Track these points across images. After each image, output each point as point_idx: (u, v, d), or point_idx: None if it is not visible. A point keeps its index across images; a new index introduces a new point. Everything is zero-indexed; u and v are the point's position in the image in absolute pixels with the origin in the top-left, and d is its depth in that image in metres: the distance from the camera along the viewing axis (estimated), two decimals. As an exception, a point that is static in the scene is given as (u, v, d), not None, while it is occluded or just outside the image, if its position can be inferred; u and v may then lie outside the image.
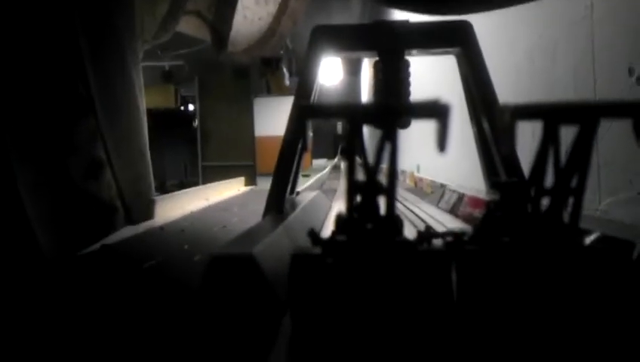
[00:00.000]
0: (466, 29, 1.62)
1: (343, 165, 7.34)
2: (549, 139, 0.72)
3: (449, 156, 3.28)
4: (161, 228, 2.67)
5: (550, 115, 0.71)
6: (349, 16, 8.86)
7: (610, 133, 1.56)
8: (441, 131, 0.65)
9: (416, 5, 2.02)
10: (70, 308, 1.40)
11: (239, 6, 2.78)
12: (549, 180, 0.74)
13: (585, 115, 0.70)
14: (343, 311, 0.69)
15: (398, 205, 2.91)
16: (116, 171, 2.08)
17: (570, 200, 0.73)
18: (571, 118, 0.71)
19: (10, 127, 1.67)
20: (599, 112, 0.71)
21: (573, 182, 0.73)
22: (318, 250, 0.72)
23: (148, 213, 2.48)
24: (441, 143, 0.65)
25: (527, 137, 0.94)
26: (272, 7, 3.45)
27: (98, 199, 2.01)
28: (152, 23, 2.53)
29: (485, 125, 1.54)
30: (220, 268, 0.93)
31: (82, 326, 1.24)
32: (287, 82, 10.43)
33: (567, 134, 0.73)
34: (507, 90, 2.21)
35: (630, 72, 1.47)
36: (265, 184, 1.91)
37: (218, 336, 0.87)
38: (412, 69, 1.66)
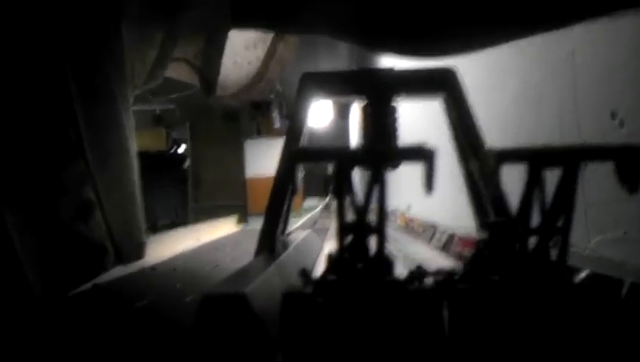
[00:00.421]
0: (451, 75, 1.66)
1: (334, 205, 7.34)
2: (534, 181, 0.74)
3: (440, 196, 3.30)
4: (153, 268, 2.65)
5: (534, 158, 0.74)
6: (337, 61, 9.00)
7: (597, 175, 1.59)
8: (428, 173, 0.67)
9: (395, 48, 2.07)
10: (63, 348, 1.39)
11: (229, 51, 2.83)
12: (538, 220, 0.76)
13: (568, 159, 0.73)
14: (334, 349, 0.70)
15: (389, 245, 2.92)
16: (106, 213, 2.08)
17: (558, 239, 0.75)
18: (555, 161, 0.73)
19: (1, 170, 1.68)
20: (581, 156, 0.74)
21: (560, 222, 0.74)
22: (309, 290, 0.73)
23: (139, 252, 2.47)
24: (429, 184, 0.67)
25: (515, 178, 0.97)
26: (260, 52, 3.51)
27: (88, 240, 2.00)
28: (141, 69, 2.57)
29: (473, 167, 1.56)
30: (213, 307, 0.93)
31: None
32: (277, 124, 10.50)
33: (553, 176, 0.75)
34: (495, 133, 2.25)
35: (613, 115, 1.50)
36: (257, 224, 1.91)
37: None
38: (401, 111, 1.69)
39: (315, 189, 15.86)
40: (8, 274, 1.67)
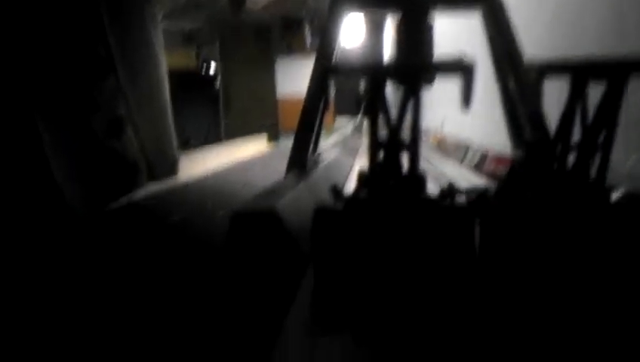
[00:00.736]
0: (491, -15, 1.58)
1: (366, 123, 7.31)
2: (577, 96, 0.71)
3: (473, 114, 3.24)
4: (185, 185, 2.70)
5: (578, 70, 0.70)
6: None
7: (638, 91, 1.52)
8: (466, 87, 0.65)
9: None
10: (100, 263, 1.43)
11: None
12: (576, 138, 0.73)
13: (614, 72, 0.69)
14: (364, 265, 0.70)
15: (422, 163, 2.90)
16: (139, 129, 2.11)
17: (597, 158, 0.73)
18: (600, 75, 0.69)
19: (34, 87, 1.70)
20: (629, 69, 0.69)
21: (601, 139, 0.72)
22: (340, 206, 0.73)
23: (172, 169, 2.51)
24: (466, 99, 0.64)
25: (554, 95, 0.93)
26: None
27: (122, 156, 2.04)
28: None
29: (511, 83, 1.52)
30: (244, 223, 0.94)
31: (112, 282, 1.28)
32: (309, 42, 10.29)
33: (596, 92, 0.71)
34: (534, 47, 2.16)
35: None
36: (288, 142, 1.91)
37: (243, 289, 0.89)
38: (437, 27, 1.63)
39: (346, 108, 15.74)
40: (46, 190, 1.72)
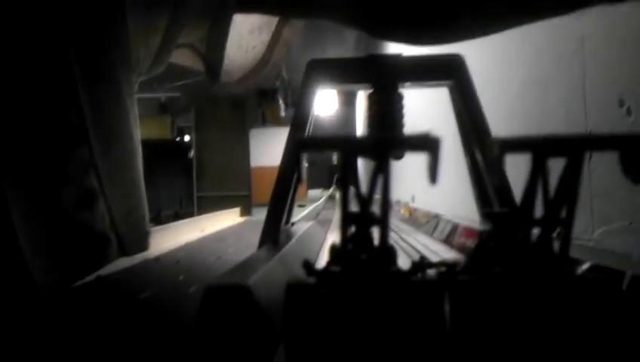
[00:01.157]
0: (458, 62, 1.65)
1: (338, 195, 7.36)
2: (538, 171, 0.74)
3: (444, 186, 3.31)
4: (157, 259, 2.67)
5: (538, 147, 0.73)
6: (344, 49, 8.97)
7: (602, 164, 1.58)
8: (433, 163, 0.67)
9: (401, 35, 2.07)
10: (66, 340, 1.39)
11: (233, 36, 2.82)
12: (541, 211, 0.75)
13: (572, 148, 0.72)
14: (337, 340, 0.70)
15: (393, 235, 2.92)
16: (110, 202, 2.09)
17: (562, 230, 0.75)
18: (559, 151, 0.73)
19: (3, 156, 1.68)
20: (586, 145, 0.73)
21: (563, 213, 0.74)
22: (312, 281, 0.73)
23: (143, 244, 2.48)
24: (432, 175, 0.66)
25: (521, 167, 0.96)
26: (265, 36, 3.49)
27: (92, 230, 2.01)
28: (146, 55, 2.56)
29: (478, 156, 1.56)
30: (216, 298, 0.93)
31: (80, 358, 1.24)
32: (282, 113, 10.49)
33: (558, 165, 0.74)
34: (500, 122, 2.24)
35: (620, 103, 1.50)
36: (260, 214, 1.91)
37: (214, 366, 0.88)
38: (407, 102, 1.68)
39: (318, 180, 15.93)
40: (11, 264, 1.68)
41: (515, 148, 0.73)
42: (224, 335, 0.91)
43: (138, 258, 2.48)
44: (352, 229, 0.75)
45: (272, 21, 3.39)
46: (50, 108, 1.88)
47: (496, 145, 0.71)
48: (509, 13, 1.78)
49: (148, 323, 1.53)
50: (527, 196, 0.74)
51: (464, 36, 1.95)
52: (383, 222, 0.72)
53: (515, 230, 0.76)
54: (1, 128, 1.69)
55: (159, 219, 9.27)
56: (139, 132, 2.45)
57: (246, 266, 1.15)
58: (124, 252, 2.23)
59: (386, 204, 0.72)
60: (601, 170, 1.60)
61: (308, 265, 0.75)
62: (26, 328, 1.50)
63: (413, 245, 2.49)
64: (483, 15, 1.80)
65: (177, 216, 10.25)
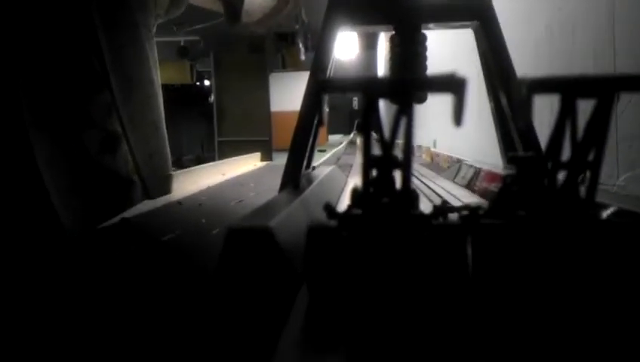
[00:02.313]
0: (484, 3, 1.60)
1: (359, 141, 7.34)
2: (567, 113, 0.71)
3: (466, 131, 3.27)
4: (179, 202, 2.70)
5: (567, 88, 0.71)
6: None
7: (630, 108, 1.54)
8: (458, 105, 0.65)
9: None
10: (92, 281, 1.43)
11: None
12: (567, 154, 0.74)
13: (602, 89, 0.70)
14: (358, 283, 0.70)
15: (415, 180, 2.91)
16: (132, 146, 2.10)
17: (587, 175, 0.73)
18: (589, 92, 0.70)
19: (28, 102, 1.69)
20: (617, 86, 0.70)
21: (590, 157, 0.72)
22: (334, 223, 0.73)
23: (166, 187, 2.51)
24: (458, 117, 0.65)
25: (546, 111, 0.94)
26: (285, -25, 3.42)
27: (115, 173, 2.03)
28: (163, -3, 2.53)
29: (503, 99, 1.53)
30: (238, 240, 0.94)
31: (106, 299, 1.27)
32: (302, 57, 10.35)
33: (587, 108, 0.72)
34: (526, 64, 2.18)
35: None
36: (281, 159, 1.91)
37: (236, 307, 0.89)
38: (430, 42, 1.65)
39: (339, 126, 15.85)
40: (37, 207, 1.71)
41: (543, 89, 0.71)
42: (247, 277, 0.92)
43: (161, 201, 2.52)
44: (374, 173, 0.74)
45: (291, -41, 3.31)
46: (71, 54, 1.88)
47: (524, 85, 0.69)
48: None
49: (171, 265, 1.56)
50: (554, 138, 0.72)
51: None
52: (405, 166, 0.71)
53: (541, 174, 0.74)
54: (24, 74, 1.69)
55: (181, 164, 9.35)
56: (159, 76, 2.44)
57: (267, 209, 1.16)
58: (148, 195, 2.26)
59: (408, 147, 0.71)
60: (627, 114, 1.56)
61: (329, 208, 0.75)
62: (53, 268, 1.54)
63: (434, 190, 2.48)
64: None
65: (199, 161, 10.33)
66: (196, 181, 3.73)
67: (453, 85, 0.65)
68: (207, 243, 1.71)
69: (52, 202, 1.73)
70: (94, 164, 1.93)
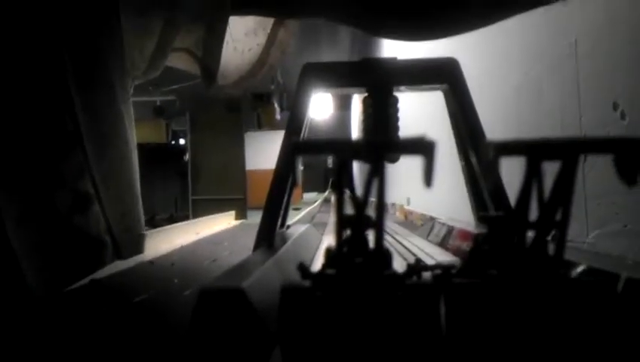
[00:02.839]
0: (453, 66, 1.66)
1: (333, 198, 7.34)
2: (533, 174, 0.74)
3: (439, 189, 3.31)
4: (151, 262, 2.66)
5: (533, 151, 0.73)
6: (339, 53, 9.00)
7: (597, 167, 1.59)
8: (427, 167, 0.67)
9: (394, 29, 2.08)
10: (60, 344, 1.39)
11: (229, 38, 2.82)
12: (536, 214, 0.75)
13: (566, 151, 0.72)
14: (332, 343, 0.70)
15: (388, 238, 2.92)
16: (105, 206, 2.08)
17: (557, 233, 0.75)
18: (553, 154, 0.73)
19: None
20: (580, 148, 0.73)
21: (558, 216, 0.74)
22: (307, 284, 0.73)
23: (138, 247, 2.47)
24: (428, 178, 0.66)
25: (516, 170, 0.97)
26: (261, 38, 3.50)
27: (86, 233, 2.00)
28: (140, 59, 2.56)
29: (473, 159, 1.56)
30: (210, 301, 0.93)
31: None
32: (278, 116, 10.50)
33: (554, 168, 0.75)
34: (495, 127, 2.25)
35: (615, 106, 1.50)
36: (256, 218, 1.91)
37: (208, 370, 0.87)
38: (403, 105, 1.69)
39: (313, 183, 15.94)
40: (3, 268, 1.67)
41: (509, 151, 0.73)
42: (219, 338, 0.90)
43: (133, 261, 2.47)
44: (348, 232, 0.75)
45: (267, 23, 3.39)
46: (43, 112, 1.87)
47: (490, 148, 0.71)
48: (495, 7, 1.80)
49: (142, 326, 1.52)
50: (521, 199, 0.74)
51: (452, 30, 1.97)
52: (378, 225, 0.72)
53: (510, 233, 0.76)
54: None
55: (154, 223, 9.25)
56: (135, 136, 2.45)
57: (241, 269, 1.15)
58: (119, 255, 2.23)
59: (381, 207, 0.72)
60: (595, 173, 1.60)
61: (303, 268, 0.75)
62: (18, 331, 1.49)
63: (408, 248, 2.49)
64: (470, 8, 1.81)
65: (172, 219, 10.24)
66: (169, 240, 3.68)
67: (422, 148, 0.67)
68: (180, 304, 1.68)
69: (19, 263, 1.68)
70: (64, 225, 1.89)
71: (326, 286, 0.72)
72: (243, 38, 3.40)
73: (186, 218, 7.83)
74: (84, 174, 2.01)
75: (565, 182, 0.73)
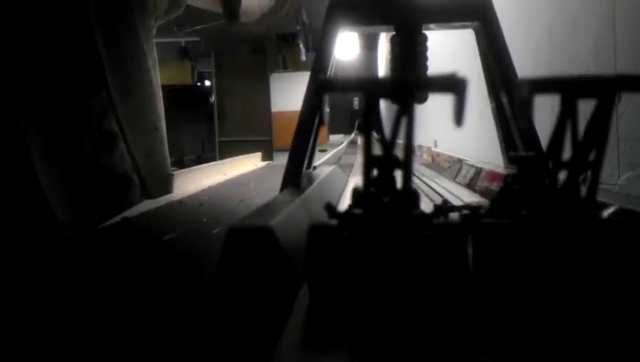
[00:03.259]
0: (485, 3, 1.60)
1: (360, 140, 7.32)
2: (567, 113, 0.72)
3: (467, 131, 3.27)
4: (180, 201, 2.70)
5: (568, 88, 0.71)
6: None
7: (631, 108, 1.54)
8: (458, 105, 0.65)
9: None
10: (91, 281, 1.43)
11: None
12: (568, 154, 0.74)
13: (602, 89, 0.70)
14: (359, 282, 0.70)
15: (416, 180, 2.91)
16: (130, 145, 2.10)
17: (588, 174, 0.73)
18: (589, 92, 0.71)
19: (23, 100, 1.68)
20: (617, 86, 0.71)
21: (591, 156, 0.72)
22: (335, 223, 0.73)
23: (166, 187, 2.50)
24: (458, 117, 0.65)
25: (547, 111, 0.94)
26: (282, -26, 3.42)
27: (113, 172, 2.03)
28: (162, -3, 2.53)
29: (504, 100, 1.53)
30: (239, 240, 0.94)
31: (104, 299, 1.27)
32: (303, 58, 10.36)
33: (587, 108, 0.72)
34: (527, 67, 2.18)
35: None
36: (282, 159, 1.92)
37: (237, 307, 0.89)
38: (431, 42, 1.65)
39: (340, 125, 15.85)
40: (33, 205, 1.70)
41: (544, 89, 0.71)
42: (248, 277, 0.92)
43: (162, 200, 2.52)
44: (375, 173, 0.74)
45: (288, -41, 3.31)
46: (67, 53, 1.87)
47: (524, 86, 0.69)
48: None
49: (172, 264, 1.56)
50: (555, 138, 0.72)
51: None
52: (406, 165, 0.72)
53: (542, 173, 0.74)
54: (20, 72, 1.69)
55: (182, 163, 9.36)
56: (158, 76, 2.44)
57: (268, 209, 1.16)
58: (148, 194, 2.26)
59: (409, 147, 0.71)
60: (628, 115, 1.56)
61: (330, 208, 0.75)
62: (51, 268, 1.53)
63: (435, 189, 2.49)
64: None
65: (200, 160, 10.34)
66: (197, 181, 3.73)
67: (454, 85, 0.65)
68: (209, 243, 1.71)
69: (48, 201, 1.72)
70: (91, 163, 1.92)
71: (353, 225, 0.72)
72: (264, -26, 3.32)
73: (213, 159, 7.89)
74: (109, 113, 2.02)
75: (600, 121, 0.71)
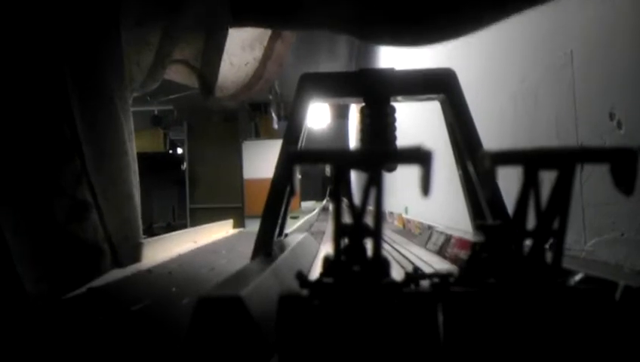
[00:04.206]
0: (449, 76, 1.67)
1: (331, 207, 7.34)
2: (530, 183, 0.74)
3: (437, 198, 3.32)
4: (149, 270, 2.65)
5: (529, 160, 0.74)
6: (336, 63, 9.03)
7: (595, 174, 1.59)
8: (425, 176, 0.67)
9: (389, 36, 2.10)
10: (57, 352, 1.38)
11: (226, 52, 2.83)
12: (533, 223, 0.76)
13: (563, 161, 0.73)
14: (330, 352, 0.70)
15: (387, 246, 2.92)
16: (104, 215, 2.08)
17: (554, 242, 0.75)
18: (550, 164, 0.73)
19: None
20: (577, 158, 0.74)
21: (556, 224, 0.74)
22: (305, 292, 0.73)
23: (135, 256, 2.46)
24: (425, 188, 0.67)
25: (514, 179, 0.97)
26: (258, 53, 3.51)
27: (84, 241, 1.99)
28: (139, 72, 2.57)
29: (470, 169, 1.57)
30: (208, 309, 0.93)
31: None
32: (275, 126, 10.52)
33: (552, 175, 0.75)
34: (492, 136, 2.25)
35: (611, 116, 1.51)
36: (253, 226, 1.91)
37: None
38: (400, 114, 1.70)
39: (312, 192, 15.93)
40: (3, 275, 1.67)
41: (506, 161, 0.74)
42: (217, 347, 0.90)
43: (130, 269, 2.47)
44: (345, 241, 0.75)
45: (264, 37, 3.40)
46: (42, 122, 1.88)
47: (487, 158, 0.71)
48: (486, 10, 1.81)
49: (140, 334, 1.52)
50: (519, 208, 0.74)
51: (444, 36, 1.99)
52: (376, 234, 0.73)
53: (508, 241, 0.76)
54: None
55: (152, 231, 9.23)
56: (134, 147, 2.45)
57: (239, 278, 1.15)
58: (118, 263, 2.22)
59: (378, 215, 0.72)
60: (592, 182, 1.61)
61: (301, 277, 0.75)
62: (16, 339, 1.48)
63: (406, 256, 2.49)
64: (461, 14, 1.83)
65: (170, 228, 10.23)
66: (167, 249, 3.67)
67: (420, 157, 0.67)
68: (178, 313, 1.68)
69: (16, 271, 1.68)
70: (62, 232, 1.89)
71: (324, 295, 0.72)
72: (240, 52, 3.41)
73: (183, 226, 7.82)
74: (82, 183, 2.01)
75: (562, 191, 0.73)
